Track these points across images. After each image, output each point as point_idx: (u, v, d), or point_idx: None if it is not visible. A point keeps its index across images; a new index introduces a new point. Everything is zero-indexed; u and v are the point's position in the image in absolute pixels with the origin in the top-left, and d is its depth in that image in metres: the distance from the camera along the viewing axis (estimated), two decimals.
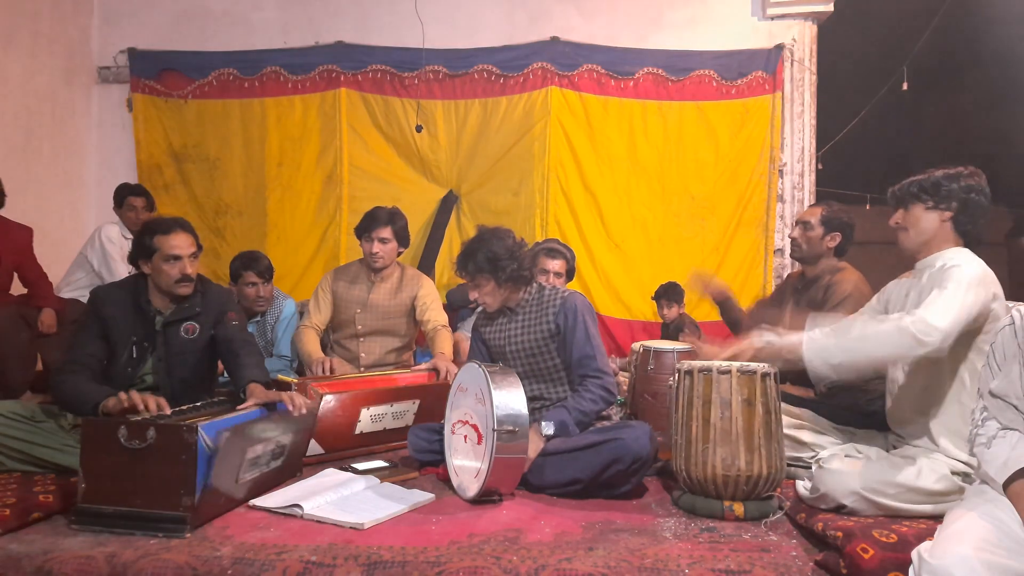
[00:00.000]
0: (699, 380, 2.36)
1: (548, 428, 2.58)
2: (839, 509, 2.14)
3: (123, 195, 4.53)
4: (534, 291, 2.89)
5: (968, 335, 2.22)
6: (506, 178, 5.44)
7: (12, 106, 4.92)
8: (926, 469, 2.15)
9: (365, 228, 3.72)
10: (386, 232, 3.69)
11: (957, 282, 2.18)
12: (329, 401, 2.95)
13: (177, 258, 2.69)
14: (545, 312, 2.80)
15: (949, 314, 2.12)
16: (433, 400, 3.25)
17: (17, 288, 4.18)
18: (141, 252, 2.72)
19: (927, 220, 2.37)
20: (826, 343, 2.27)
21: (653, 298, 5.03)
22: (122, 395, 2.35)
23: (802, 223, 3.41)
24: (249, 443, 2.31)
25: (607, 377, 2.71)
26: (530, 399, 2.65)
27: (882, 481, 2.11)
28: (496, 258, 2.76)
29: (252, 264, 3.90)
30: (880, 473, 2.13)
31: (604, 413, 2.77)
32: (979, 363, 2.22)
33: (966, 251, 2.36)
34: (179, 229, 2.74)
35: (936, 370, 2.30)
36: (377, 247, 3.68)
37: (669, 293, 4.92)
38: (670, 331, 4.85)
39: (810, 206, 3.61)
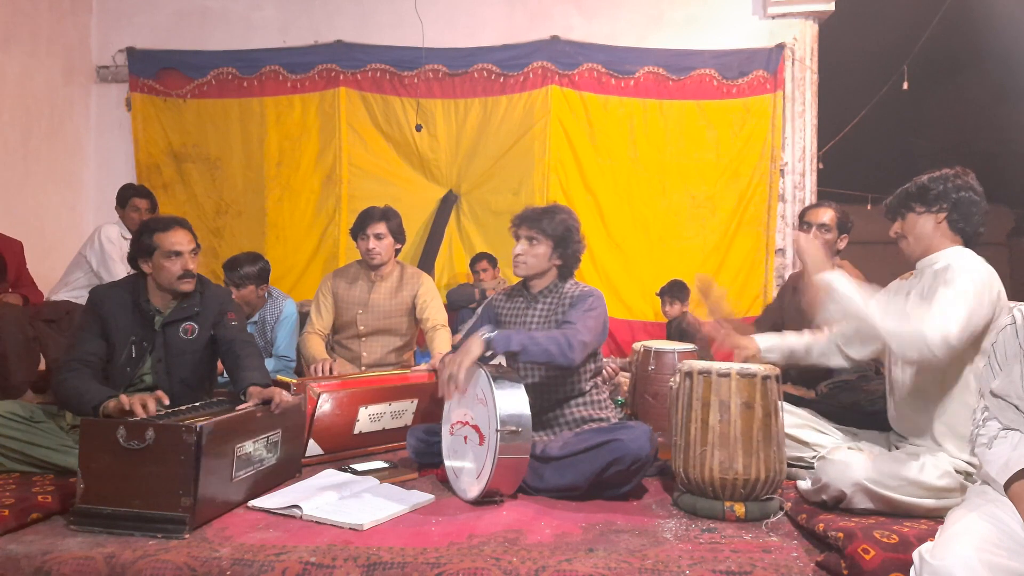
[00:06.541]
0: (699, 382, 2.34)
1: (488, 332, 2.49)
2: (839, 502, 2.14)
3: (127, 196, 4.51)
4: (562, 284, 2.85)
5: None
6: (506, 177, 5.43)
7: (10, 105, 4.91)
8: (929, 464, 2.16)
9: (360, 226, 3.70)
10: (381, 228, 3.67)
11: (965, 291, 2.17)
12: (327, 400, 2.94)
13: (178, 254, 2.71)
14: (563, 303, 2.77)
15: (964, 330, 2.13)
16: (432, 399, 3.24)
17: None
18: (140, 251, 2.73)
19: (923, 225, 2.41)
20: (852, 292, 2.24)
21: (658, 294, 5.01)
22: (123, 398, 2.35)
23: (820, 225, 3.37)
24: (235, 439, 2.30)
25: (577, 333, 2.57)
26: (539, 386, 2.67)
27: (885, 473, 2.10)
28: (570, 230, 2.78)
29: (230, 265, 3.90)
30: (884, 465, 2.14)
31: (602, 416, 2.74)
32: (983, 364, 2.21)
33: (968, 252, 2.35)
34: (177, 226, 2.78)
35: (939, 372, 2.29)
36: (373, 243, 3.66)
37: (673, 290, 4.90)
38: (672, 329, 4.83)
39: (815, 206, 3.55)
